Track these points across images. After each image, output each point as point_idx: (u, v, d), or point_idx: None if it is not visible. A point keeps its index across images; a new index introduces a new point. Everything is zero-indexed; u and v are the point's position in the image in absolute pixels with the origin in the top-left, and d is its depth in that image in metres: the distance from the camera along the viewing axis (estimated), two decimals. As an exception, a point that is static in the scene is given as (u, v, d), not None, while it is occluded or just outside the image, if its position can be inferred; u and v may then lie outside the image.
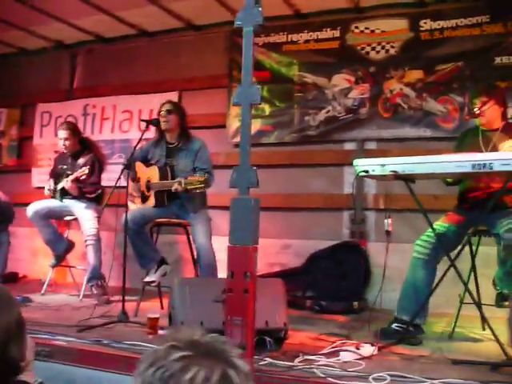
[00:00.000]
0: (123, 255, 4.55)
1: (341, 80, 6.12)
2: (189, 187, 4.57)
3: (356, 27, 6.08)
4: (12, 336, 1.66)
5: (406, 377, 3.02)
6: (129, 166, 4.77)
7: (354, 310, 5.25)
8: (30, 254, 7.44)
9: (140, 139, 4.77)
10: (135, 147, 4.82)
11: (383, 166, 3.80)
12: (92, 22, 6.78)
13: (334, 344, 3.68)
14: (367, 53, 6.02)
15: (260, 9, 3.23)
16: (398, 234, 5.15)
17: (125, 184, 4.88)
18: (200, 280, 4.61)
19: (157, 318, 4.04)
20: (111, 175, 5.97)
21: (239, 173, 3.14)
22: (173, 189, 4.73)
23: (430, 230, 4.02)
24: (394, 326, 4.08)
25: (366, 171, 3.88)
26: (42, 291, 5.76)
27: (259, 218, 3.13)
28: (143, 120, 5.34)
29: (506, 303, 3.89)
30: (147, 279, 4.99)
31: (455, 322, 4.24)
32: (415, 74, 5.82)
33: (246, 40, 3.21)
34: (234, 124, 6.46)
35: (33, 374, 2.03)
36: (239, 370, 1.12)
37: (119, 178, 4.59)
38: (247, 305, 3.02)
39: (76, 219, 5.80)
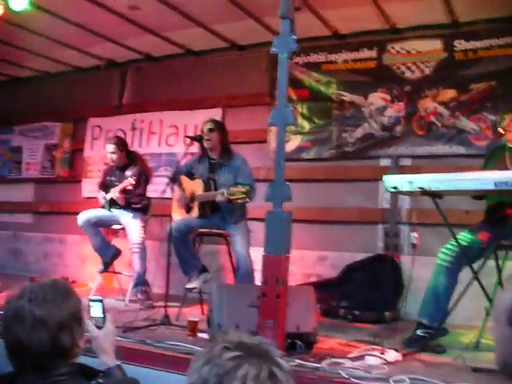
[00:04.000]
0: (167, 262, 4.85)
1: (377, 99, 6.33)
2: (231, 197, 4.78)
3: (392, 47, 6.29)
4: (64, 327, 1.89)
5: (424, 380, 3.20)
6: (174, 180, 5.06)
7: (385, 319, 5.40)
8: (80, 260, 7.81)
9: (184, 154, 5.08)
10: (180, 162, 5.11)
11: (411, 182, 4.01)
12: (142, 42, 7.16)
13: (361, 349, 3.91)
14: (403, 72, 6.22)
15: (295, 37, 3.51)
16: (430, 248, 5.32)
17: (169, 196, 5.20)
18: (237, 286, 4.88)
19: (196, 322, 4.31)
20: (157, 187, 6.31)
21: (273, 188, 3.41)
22: (216, 199, 4.96)
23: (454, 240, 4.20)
24: (417, 332, 4.25)
25: (395, 187, 4.11)
26: (91, 295, 6.04)
27: (291, 230, 3.39)
28: (187, 136, 5.60)
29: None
30: (189, 286, 5.26)
31: (480, 334, 4.34)
32: (449, 93, 5.99)
33: (281, 66, 3.49)
34: (274, 140, 6.68)
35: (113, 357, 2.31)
36: (283, 368, 1.26)
37: (164, 190, 4.91)
38: (279, 309, 3.28)
39: (123, 228, 6.12)
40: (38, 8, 5.80)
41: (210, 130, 5.31)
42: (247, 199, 4.78)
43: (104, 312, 2.37)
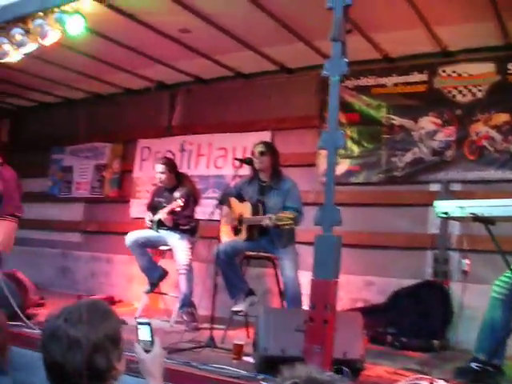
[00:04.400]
0: (213, 285, 4.85)
1: (427, 123, 6.24)
2: (278, 223, 4.78)
3: (443, 71, 6.20)
4: (99, 348, 1.85)
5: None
6: (222, 202, 5.07)
7: (434, 348, 5.28)
8: (126, 280, 7.87)
9: (233, 177, 5.09)
10: (229, 184, 5.13)
11: (463, 208, 3.92)
12: (192, 64, 7.23)
13: (409, 378, 3.81)
14: (454, 96, 6.11)
15: (346, 60, 3.50)
16: (481, 275, 5.22)
17: (218, 218, 5.21)
18: (284, 310, 4.85)
19: (242, 345, 4.29)
20: (205, 209, 6.33)
21: (323, 212, 3.38)
22: (263, 224, 4.97)
23: (510, 271, 4.08)
24: (471, 364, 4.11)
25: (446, 213, 4.02)
26: (137, 315, 6.03)
27: (340, 255, 3.35)
28: (237, 159, 5.62)
29: None
30: (235, 308, 5.24)
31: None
32: (502, 117, 5.85)
33: (332, 89, 3.47)
34: (323, 163, 6.60)
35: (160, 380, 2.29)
36: None
37: (213, 212, 4.92)
38: (326, 335, 3.23)
39: (170, 249, 6.14)
40: (92, 32, 5.91)
41: (262, 153, 5.32)
42: (294, 225, 4.77)
43: (152, 335, 2.37)
